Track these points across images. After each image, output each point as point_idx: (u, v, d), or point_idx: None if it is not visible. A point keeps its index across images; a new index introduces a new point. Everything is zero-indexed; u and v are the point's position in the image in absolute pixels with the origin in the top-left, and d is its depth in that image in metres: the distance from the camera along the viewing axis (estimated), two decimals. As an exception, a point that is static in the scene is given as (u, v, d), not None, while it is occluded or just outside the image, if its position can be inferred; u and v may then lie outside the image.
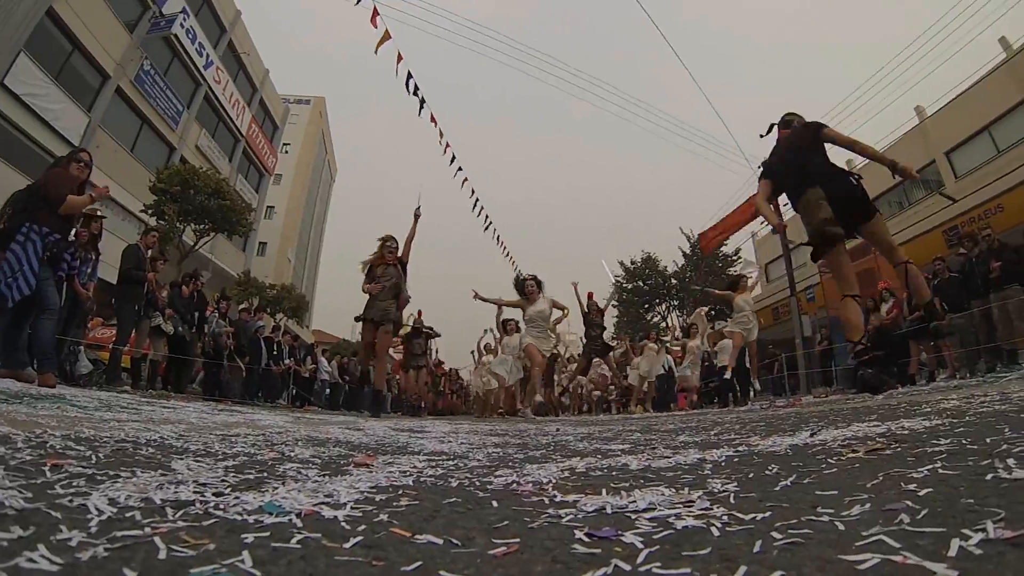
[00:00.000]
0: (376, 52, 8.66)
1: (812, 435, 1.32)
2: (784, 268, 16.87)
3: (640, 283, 26.96)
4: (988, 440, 0.92)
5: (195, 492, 0.70)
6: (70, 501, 0.60)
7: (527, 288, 7.98)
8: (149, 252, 6.54)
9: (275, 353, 10.47)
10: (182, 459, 1.03)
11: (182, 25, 19.01)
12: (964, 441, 0.89)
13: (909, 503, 0.55)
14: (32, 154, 13.38)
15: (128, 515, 0.57)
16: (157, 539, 0.48)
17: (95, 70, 16.18)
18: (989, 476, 0.63)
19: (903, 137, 17.01)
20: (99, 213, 6.04)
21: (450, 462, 1.21)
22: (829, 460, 0.90)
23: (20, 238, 4.02)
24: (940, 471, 0.68)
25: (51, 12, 14.28)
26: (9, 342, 4.10)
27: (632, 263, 27.26)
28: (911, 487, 0.62)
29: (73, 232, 4.53)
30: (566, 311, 8.40)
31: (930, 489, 0.60)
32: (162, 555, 0.45)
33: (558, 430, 2.99)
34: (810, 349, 13.71)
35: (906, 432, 1.19)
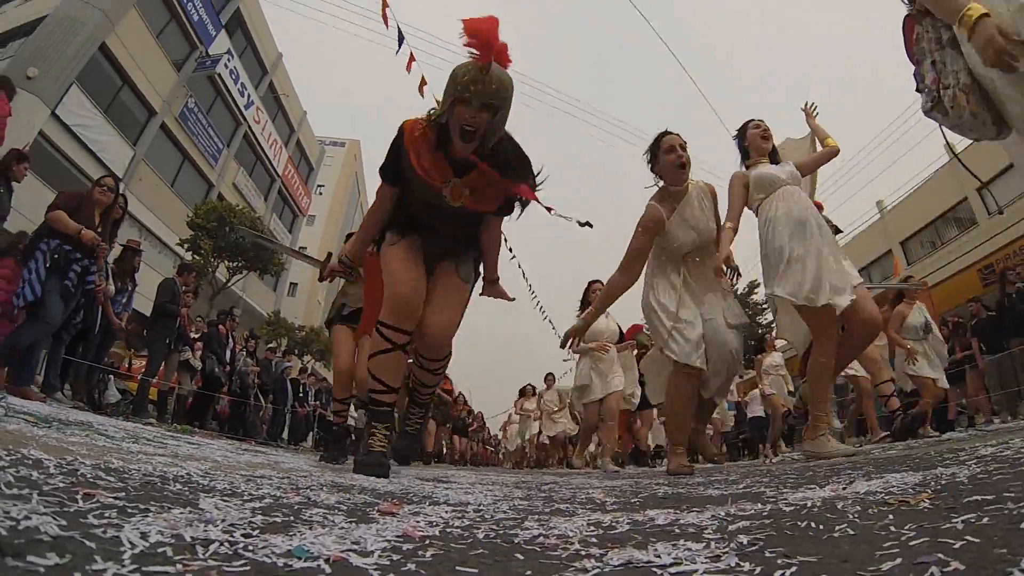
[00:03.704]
0: (421, 94, 8.88)
1: (844, 487, 1.29)
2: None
3: None
4: (1026, 488, 0.89)
5: (224, 532, 0.71)
6: (103, 532, 0.62)
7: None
8: (184, 288, 6.70)
9: (301, 395, 10.53)
10: (210, 497, 1.04)
11: (226, 65, 19.85)
12: (1001, 488, 0.86)
13: (941, 555, 0.54)
14: (78, 183, 13.97)
15: (160, 550, 0.58)
16: (189, 577, 0.49)
17: (142, 105, 16.96)
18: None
19: (935, 175, 16.62)
20: (139, 247, 6.25)
21: (476, 513, 1.21)
22: (862, 512, 0.88)
23: (35, 251, 4.23)
24: (974, 521, 0.66)
25: (104, 48, 15.13)
26: (22, 358, 4.23)
27: None
28: (944, 539, 0.61)
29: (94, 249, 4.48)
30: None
31: (964, 541, 0.59)
32: (194, 594, 0.45)
33: (584, 483, 2.95)
34: (842, 397, 13.34)
35: (943, 482, 1.16)
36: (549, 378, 10.34)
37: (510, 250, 12.67)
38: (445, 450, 13.99)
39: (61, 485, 0.90)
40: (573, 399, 6.58)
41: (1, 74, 5.56)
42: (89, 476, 1.07)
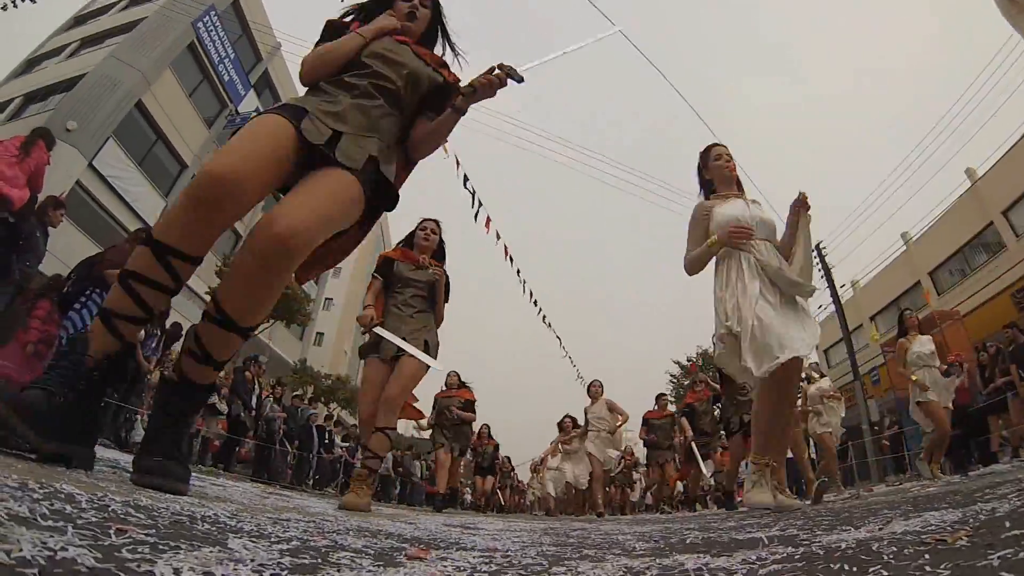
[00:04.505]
0: (446, 152, 9.10)
1: (881, 528, 1.25)
2: (845, 352, 16.13)
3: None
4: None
5: (253, 572, 0.71)
6: (138, 566, 0.62)
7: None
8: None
9: (326, 442, 10.58)
10: (238, 538, 1.04)
11: (254, 123, 20.53)
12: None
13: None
14: (112, 231, 14.44)
15: (193, 588, 0.58)
16: (222, 615, 0.49)
17: (175, 159, 17.71)
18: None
19: (957, 202, 16.30)
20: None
21: (504, 559, 1.19)
22: (897, 553, 0.86)
23: (83, 299, 4.35)
24: (1011, 557, 0.64)
25: (140, 105, 16.02)
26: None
27: (688, 359, 25.85)
28: (980, 577, 0.60)
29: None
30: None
31: (1000, 578, 0.58)
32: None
33: (614, 529, 2.88)
34: (879, 435, 12.96)
35: (982, 517, 1.13)
36: (595, 385, 8.03)
37: (535, 304, 12.55)
38: (469, 495, 13.55)
39: (94, 519, 0.92)
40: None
41: (42, 125, 5.88)
42: (120, 512, 1.08)
